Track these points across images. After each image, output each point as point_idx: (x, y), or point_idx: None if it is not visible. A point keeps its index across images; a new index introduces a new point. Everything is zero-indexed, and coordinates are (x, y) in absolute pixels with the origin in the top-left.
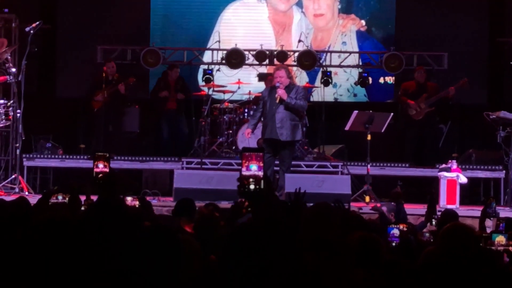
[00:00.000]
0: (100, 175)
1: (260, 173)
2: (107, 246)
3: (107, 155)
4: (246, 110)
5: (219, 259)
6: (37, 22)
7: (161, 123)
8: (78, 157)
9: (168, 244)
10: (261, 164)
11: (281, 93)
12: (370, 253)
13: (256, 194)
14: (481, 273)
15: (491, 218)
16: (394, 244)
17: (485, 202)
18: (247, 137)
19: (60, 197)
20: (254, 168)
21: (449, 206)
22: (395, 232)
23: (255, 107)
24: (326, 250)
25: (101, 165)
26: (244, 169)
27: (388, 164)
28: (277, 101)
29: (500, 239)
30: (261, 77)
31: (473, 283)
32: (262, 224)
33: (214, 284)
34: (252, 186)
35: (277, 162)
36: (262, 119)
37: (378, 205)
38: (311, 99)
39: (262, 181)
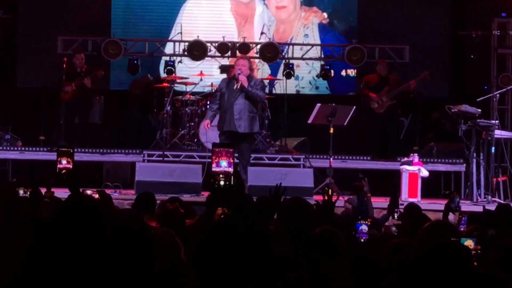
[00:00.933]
0: (64, 171)
1: (231, 169)
2: (80, 245)
3: (71, 151)
4: (208, 102)
5: (190, 256)
6: None
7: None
8: (37, 149)
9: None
10: (231, 160)
11: (243, 79)
12: (330, 246)
13: (226, 190)
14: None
15: (454, 213)
16: (362, 240)
17: (449, 196)
18: (206, 128)
19: (21, 192)
20: (224, 164)
21: (411, 200)
22: (364, 228)
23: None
24: (299, 242)
25: (64, 161)
26: (214, 165)
27: (350, 157)
28: (238, 87)
29: (469, 243)
30: (223, 69)
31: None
32: (237, 220)
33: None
34: (222, 182)
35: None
36: (219, 111)
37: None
38: (273, 92)
39: (232, 177)
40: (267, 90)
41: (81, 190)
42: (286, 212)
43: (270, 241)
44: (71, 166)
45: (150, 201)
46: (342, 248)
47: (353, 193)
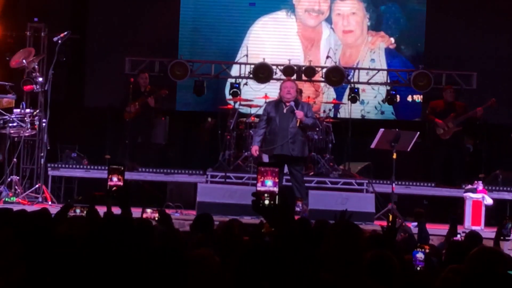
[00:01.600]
0: (114, 188)
1: (275, 189)
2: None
3: (122, 168)
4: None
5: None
6: (65, 32)
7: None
8: (102, 167)
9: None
10: (276, 180)
11: (301, 116)
12: (382, 271)
13: (271, 210)
14: None
15: (506, 239)
16: (418, 268)
17: (501, 222)
18: (255, 155)
19: (78, 210)
20: (269, 184)
21: (474, 228)
22: (420, 256)
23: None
24: (345, 268)
25: (115, 178)
26: (259, 184)
27: (414, 183)
28: (298, 124)
29: None
30: None
31: None
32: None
33: None
34: (267, 202)
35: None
36: (267, 135)
37: (409, 225)
38: (338, 116)
39: (277, 197)
40: (332, 114)
41: (141, 209)
42: (333, 237)
43: (314, 267)
44: (121, 183)
45: (208, 222)
46: (396, 274)
47: (414, 219)
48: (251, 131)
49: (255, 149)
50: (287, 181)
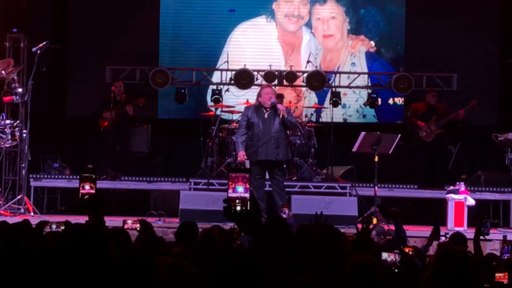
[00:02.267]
0: (86, 196)
1: (247, 195)
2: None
3: (94, 176)
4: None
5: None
6: (44, 42)
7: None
8: None
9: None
10: (248, 186)
11: (282, 109)
12: (366, 275)
13: (243, 216)
14: None
15: (485, 237)
16: (396, 270)
17: (480, 221)
18: (243, 160)
19: (54, 226)
20: (240, 190)
21: (457, 229)
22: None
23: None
24: (327, 272)
25: (87, 187)
26: (230, 190)
27: (397, 186)
28: (281, 116)
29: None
30: None
31: None
32: (256, 248)
33: None
34: (238, 208)
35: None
36: (248, 141)
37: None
38: (320, 120)
39: (248, 203)
40: (314, 119)
41: (124, 219)
42: (316, 241)
43: (287, 270)
44: (93, 191)
45: (192, 230)
46: (379, 279)
47: (389, 219)
48: (233, 137)
49: (242, 154)
50: (269, 186)
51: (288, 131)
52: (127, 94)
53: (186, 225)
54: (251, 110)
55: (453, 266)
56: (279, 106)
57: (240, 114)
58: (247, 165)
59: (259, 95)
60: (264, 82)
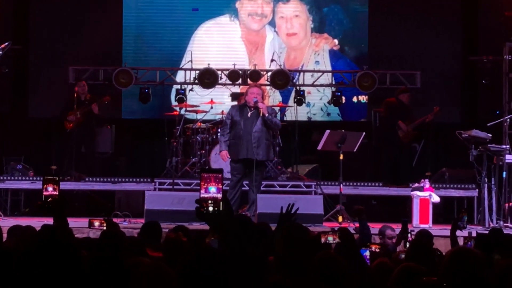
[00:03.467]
0: (50, 199)
1: (219, 195)
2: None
3: (57, 179)
4: (219, 130)
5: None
6: (6, 43)
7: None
8: None
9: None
10: (220, 186)
11: (263, 107)
12: (330, 272)
13: (215, 217)
14: None
15: (462, 231)
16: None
17: (458, 215)
18: (225, 160)
19: None
20: (213, 190)
21: (422, 226)
22: (367, 254)
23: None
24: (297, 269)
25: (50, 188)
26: (202, 191)
27: (362, 184)
28: (260, 115)
29: None
30: (234, 96)
31: None
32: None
33: None
34: (211, 208)
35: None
36: (231, 139)
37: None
38: (285, 119)
39: (221, 203)
40: (278, 117)
41: (90, 219)
42: (283, 239)
43: (261, 270)
44: (57, 193)
45: (155, 230)
46: (344, 275)
47: (353, 216)
48: (198, 137)
49: (225, 154)
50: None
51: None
52: (91, 94)
53: (150, 225)
54: (235, 109)
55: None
56: (259, 104)
57: (204, 113)
58: (213, 166)
59: (245, 93)
60: (228, 81)
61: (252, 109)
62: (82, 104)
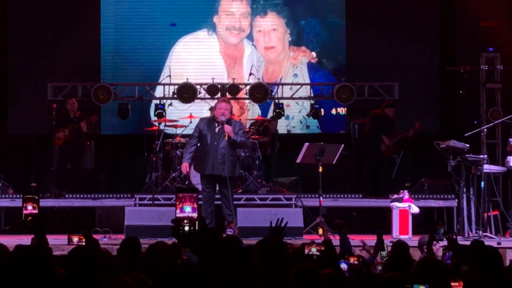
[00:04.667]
0: (29, 217)
1: (195, 214)
2: None
3: (36, 197)
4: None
5: None
6: None
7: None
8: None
9: None
10: (195, 205)
11: (228, 130)
12: (308, 285)
13: (191, 236)
14: None
15: (438, 242)
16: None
17: (434, 226)
18: (185, 173)
19: None
20: (188, 210)
21: (402, 237)
22: (343, 266)
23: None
24: (272, 283)
25: (30, 207)
26: (178, 211)
27: (342, 196)
28: (226, 138)
29: None
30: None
31: None
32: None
33: None
34: (186, 228)
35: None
36: (198, 153)
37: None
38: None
39: (196, 223)
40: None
41: (69, 235)
42: (260, 253)
43: (235, 285)
44: (36, 211)
45: (134, 245)
46: (322, 286)
47: (334, 230)
48: (177, 152)
49: (185, 166)
50: (218, 199)
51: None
52: (81, 110)
53: (129, 241)
54: (204, 122)
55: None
56: (225, 127)
57: (184, 128)
58: (193, 180)
59: (214, 108)
60: (207, 96)
61: (220, 124)
62: (71, 121)
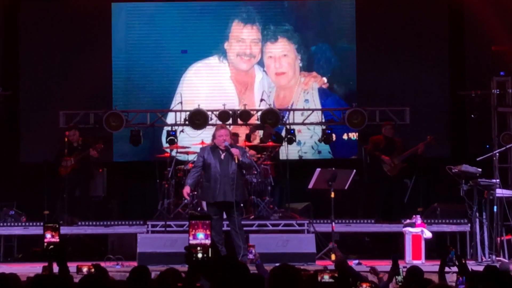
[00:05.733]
0: (51, 246)
1: (208, 241)
2: None
3: (56, 226)
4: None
5: None
6: None
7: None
8: (41, 224)
9: None
10: (208, 232)
11: (236, 153)
12: None
13: (204, 263)
14: None
15: (451, 268)
16: None
17: (445, 251)
18: (186, 196)
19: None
20: (201, 237)
21: (415, 262)
22: None
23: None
24: None
25: (48, 235)
26: (191, 237)
27: (354, 221)
28: (236, 161)
29: None
30: None
31: None
32: None
33: None
34: (200, 255)
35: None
36: (204, 182)
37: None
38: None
39: (209, 249)
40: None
41: (78, 265)
42: (274, 280)
43: None
44: (57, 240)
45: (143, 274)
46: None
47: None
48: (187, 176)
49: (186, 191)
50: (227, 226)
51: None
52: (83, 137)
53: (138, 270)
54: (207, 151)
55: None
56: (232, 150)
57: (196, 154)
58: (205, 206)
59: (213, 136)
60: (218, 122)
61: (225, 150)
62: (75, 150)
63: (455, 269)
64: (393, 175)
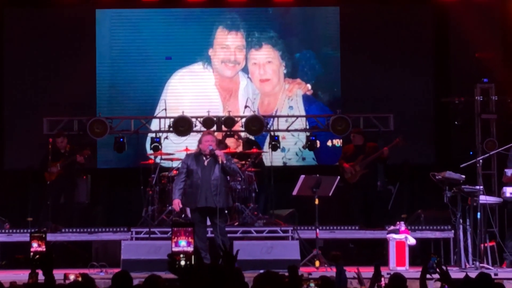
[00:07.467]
0: (37, 256)
1: (190, 248)
2: None
3: (43, 235)
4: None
5: None
6: None
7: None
8: (25, 230)
9: None
10: (191, 240)
11: (220, 155)
12: None
13: (187, 270)
14: None
15: (432, 275)
16: None
17: (427, 258)
18: (177, 210)
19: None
20: (183, 244)
21: (399, 268)
22: None
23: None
24: None
25: (35, 244)
26: (173, 245)
27: (338, 228)
28: (220, 162)
29: None
30: None
31: None
32: None
33: None
34: (183, 262)
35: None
36: (187, 188)
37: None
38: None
39: (192, 257)
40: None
41: (65, 273)
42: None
43: None
44: (43, 249)
45: (125, 280)
46: None
47: (330, 262)
48: (174, 185)
49: (177, 203)
50: (211, 233)
51: (228, 177)
52: (71, 145)
53: (119, 276)
54: (190, 158)
55: None
56: (217, 152)
57: (180, 161)
58: (189, 214)
59: (199, 142)
60: (203, 129)
61: (208, 157)
62: (62, 156)
63: (437, 276)
64: (352, 182)
